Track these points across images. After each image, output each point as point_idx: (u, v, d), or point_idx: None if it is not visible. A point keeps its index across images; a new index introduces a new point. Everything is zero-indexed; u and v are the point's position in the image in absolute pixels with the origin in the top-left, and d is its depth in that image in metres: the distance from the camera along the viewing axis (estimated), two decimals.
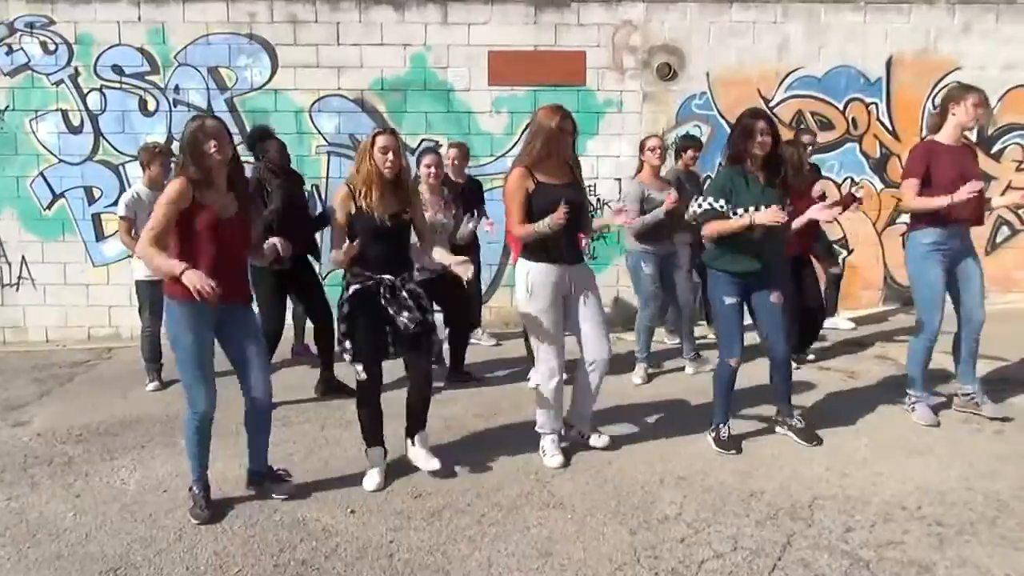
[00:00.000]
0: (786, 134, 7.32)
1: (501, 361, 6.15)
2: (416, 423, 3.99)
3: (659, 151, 5.39)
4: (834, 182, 7.48)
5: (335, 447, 4.33)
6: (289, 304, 5.65)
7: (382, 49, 7.53)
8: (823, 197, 5.20)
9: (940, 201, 4.19)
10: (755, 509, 3.44)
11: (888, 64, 7.68)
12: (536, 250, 3.90)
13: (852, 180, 7.71)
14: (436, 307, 4.84)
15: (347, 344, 3.75)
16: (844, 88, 7.69)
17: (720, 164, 4.20)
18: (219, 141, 3.29)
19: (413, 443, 3.97)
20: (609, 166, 7.63)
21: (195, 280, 3.11)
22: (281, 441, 4.41)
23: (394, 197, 3.76)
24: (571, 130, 3.83)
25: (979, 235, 7.15)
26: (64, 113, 7.49)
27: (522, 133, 7.52)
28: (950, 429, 4.35)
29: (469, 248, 5.86)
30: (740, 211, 3.94)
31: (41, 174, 7.55)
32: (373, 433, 3.89)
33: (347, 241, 3.69)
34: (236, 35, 7.48)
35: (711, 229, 4.04)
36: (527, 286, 3.92)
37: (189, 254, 3.28)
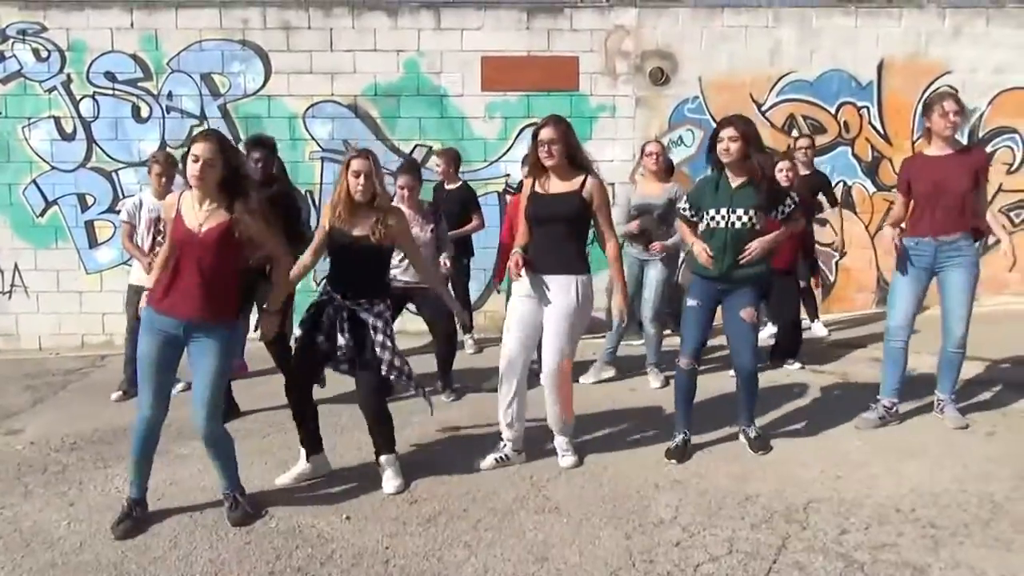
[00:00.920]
0: (778, 138, 7.41)
1: (493, 367, 6.13)
2: (376, 445, 3.90)
3: (657, 156, 5.41)
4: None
5: (329, 453, 4.29)
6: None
7: (375, 55, 7.55)
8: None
9: (885, 232, 4.53)
10: (750, 512, 3.45)
11: (879, 68, 7.73)
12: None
13: (844, 183, 7.75)
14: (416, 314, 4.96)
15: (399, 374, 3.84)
16: (836, 92, 7.73)
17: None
18: (205, 167, 3.24)
19: (378, 464, 3.89)
20: (603, 171, 7.58)
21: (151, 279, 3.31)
22: (276, 447, 4.41)
23: (364, 220, 3.76)
24: (548, 139, 3.82)
25: None
26: (57, 120, 7.48)
27: (516, 138, 7.57)
28: (943, 430, 4.37)
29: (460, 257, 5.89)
30: (706, 216, 4.06)
31: (34, 181, 7.53)
32: (303, 440, 3.95)
33: (318, 256, 3.93)
34: (229, 41, 7.48)
35: (681, 231, 4.41)
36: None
37: (168, 262, 3.38)
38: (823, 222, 7.23)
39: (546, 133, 3.83)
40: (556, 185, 3.93)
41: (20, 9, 7.38)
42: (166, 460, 4.24)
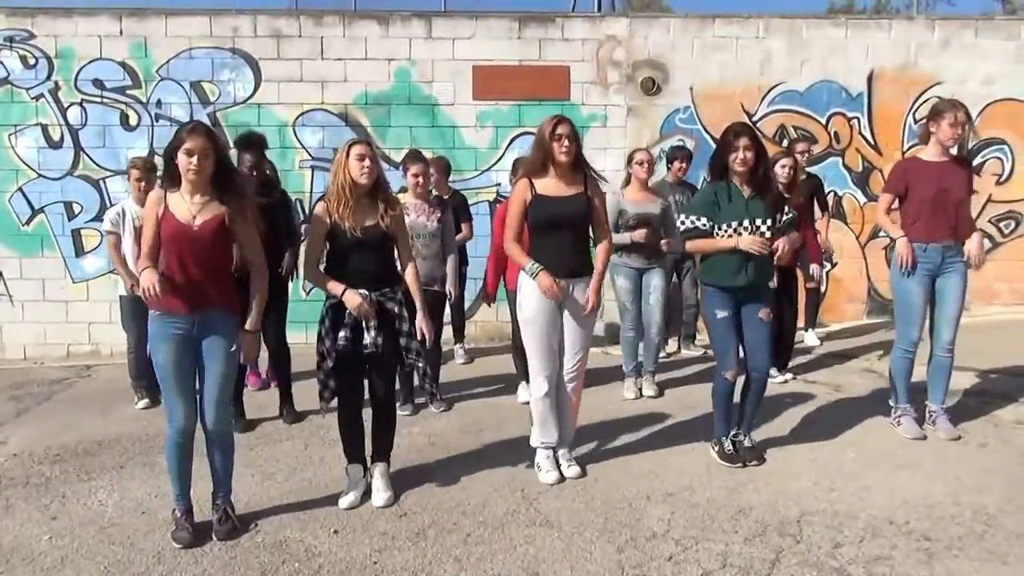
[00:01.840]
0: (770, 148, 7.41)
1: (485, 378, 6.11)
2: (377, 450, 3.87)
3: (647, 164, 5.38)
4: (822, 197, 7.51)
5: (318, 466, 4.26)
6: None
7: (366, 63, 7.52)
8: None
9: (894, 231, 4.41)
10: (743, 525, 3.42)
11: (869, 79, 7.75)
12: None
13: (835, 193, 7.77)
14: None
15: (322, 356, 3.69)
16: (826, 103, 7.76)
17: (704, 179, 4.20)
18: (198, 161, 3.21)
19: (364, 470, 3.86)
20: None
21: (144, 280, 3.14)
22: (263, 460, 4.35)
23: (370, 208, 3.70)
24: (566, 134, 3.78)
25: None
26: (44, 128, 7.42)
27: (507, 147, 7.56)
28: (936, 442, 4.35)
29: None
30: (724, 227, 3.95)
31: (20, 189, 7.46)
32: (351, 447, 3.84)
33: (324, 255, 3.74)
34: (219, 49, 7.45)
35: (695, 247, 4.10)
36: (520, 298, 3.91)
37: (164, 260, 3.28)
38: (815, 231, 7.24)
39: (565, 128, 3.78)
40: (560, 187, 3.85)
41: (7, 16, 7.33)
42: (152, 472, 4.19)
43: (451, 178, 6.83)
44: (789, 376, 5.76)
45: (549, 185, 3.84)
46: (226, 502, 3.50)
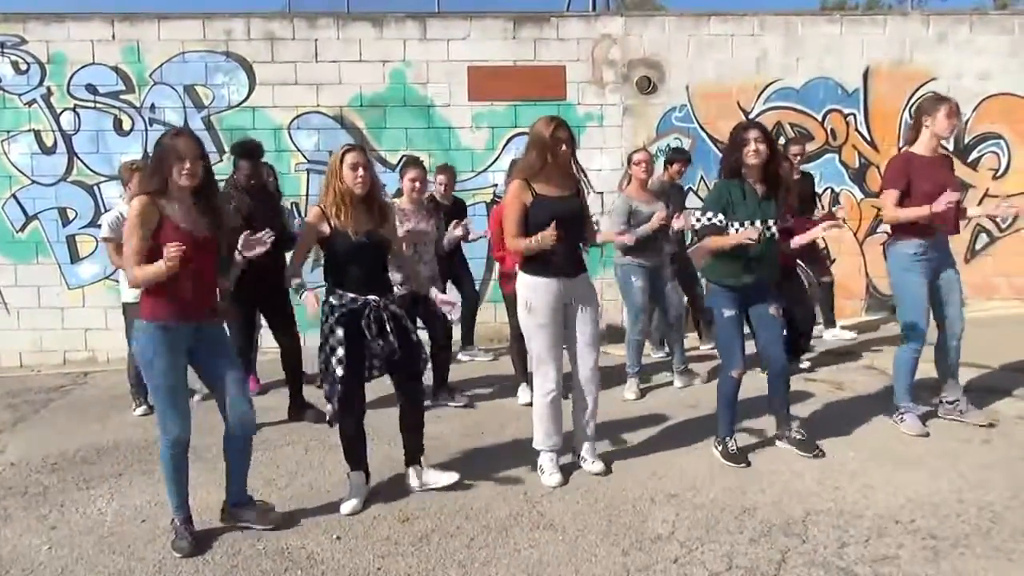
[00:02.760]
0: None
1: (485, 380, 6.09)
2: (413, 448, 3.93)
3: (645, 164, 5.38)
4: (817, 195, 7.50)
5: (319, 471, 4.23)
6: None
7: (361, 65, 7.50)
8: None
9: (922, 211, 4.21)
10: (748, 526, 3.40)
11: (865, 75, 7.76)
12: (536, 264, 3.85)
13: (832, 190, 7.77)
14: (420, 324, 4.80)
15: (330, 366, 3.65)
16: (822, 99, 7.76)
17: (717, 177, 4.18)
18: (192, 165, 3.19)
19: (420, 467, 3.92)
20: (591, 180, 7.61)
21: (169, 257, 3.08)
22: (263, 465, 4.31)
23: (368, 214, 3.70)
24: (566, 138, 3.79)
25: (959, 243, 7.26)
26: (37, 133, 7.38)
27: (503, 148, 7.53)
28: (938, 439, 4.34)
29: (459, 265, 5.81)
30: (736, 226, 3.91)
31: (14, 195, 7.42)
32: (354, 456, 3.80)
33: (309, 259, 3.84)
34: (212, 53, 7.41)
35: (711, 244, 4.02)
36: (527, 301, 3.88)
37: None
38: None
39: (564, 132, 3.79)
40: (557, 188, 3.85)
41: None
42: (151, 479, 4.15)
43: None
44: (804, 365, 5.81)
45: (546, 186, 3.84)
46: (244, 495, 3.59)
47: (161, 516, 3.65)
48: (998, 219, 4.61)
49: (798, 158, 5.99)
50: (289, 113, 7.49)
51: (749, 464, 4.05)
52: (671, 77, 7.66)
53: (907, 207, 4.31)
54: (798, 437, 4.21)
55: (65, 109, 7.37)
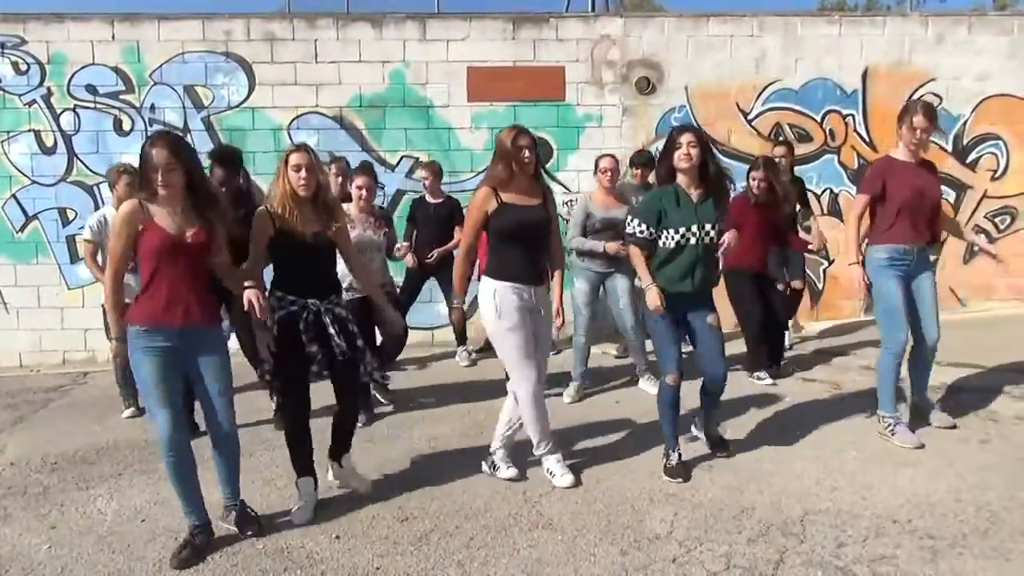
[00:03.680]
0: (765, 147, 7.42)
1: (483, 380, 6.09)
2: (340, 448, 3.92)
3: (611, 174, 5.36)
4: (815, 194, 7.51)
5: (318, 470, 4.22)
6: None
7: (360, 66, 7.50)
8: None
9: (850, 239, 4.36)
10: (746, 526, 3.41)
11: (864, 76, 7.76)
12: (501, 269, 3.86)
13: (831, 191, 7.78)
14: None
15: (269, 369, 3.66)
16: (821, 100, 7.76)
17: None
18: (164, 176, 3.15)
19: (340, 465, 3.92)
20: (589, 181, 7.60)
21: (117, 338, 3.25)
22: (263, 465, 4.33)
23: (314, 215, 3.65)
24: (528, 144, 3.78)
25: (958, 243, 7.28)
26: (37, 133, 7.38)
27: None
28: (936, 439, 4.34)
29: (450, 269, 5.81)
30: (672, 232, 3.84)
31: (13, 196, 7.43)
32: (298, 461, 3.75)
33: (260, 265, 3.66)
34: (212, 53, 7.42)
35: (633, 261, 4.03)
36: (495, 306, 3.83)
37: (147, 274, 3.24)
38: (807, 229, 7.25)
39: (526, 139, 3.78)
40: (523, 197, 3.85)
41: None
42: (151, 479, 4.16)
43: (446, 181, 6.85)
44: (767, 379, 5.63)
45: (513, 195, 3.84)
46: (237, 497, 3.53)
47: (161, 516, 3.66)
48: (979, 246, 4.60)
49: (782, 161, 5.96)
50: (289, 113, 7.50)
51: (688, 479, 3.90)
52: (670, 78, 7.67)
53: (882, 211, 4.31)
54: (719, 436, 4.24)
55: (65, 109, 7.37)
